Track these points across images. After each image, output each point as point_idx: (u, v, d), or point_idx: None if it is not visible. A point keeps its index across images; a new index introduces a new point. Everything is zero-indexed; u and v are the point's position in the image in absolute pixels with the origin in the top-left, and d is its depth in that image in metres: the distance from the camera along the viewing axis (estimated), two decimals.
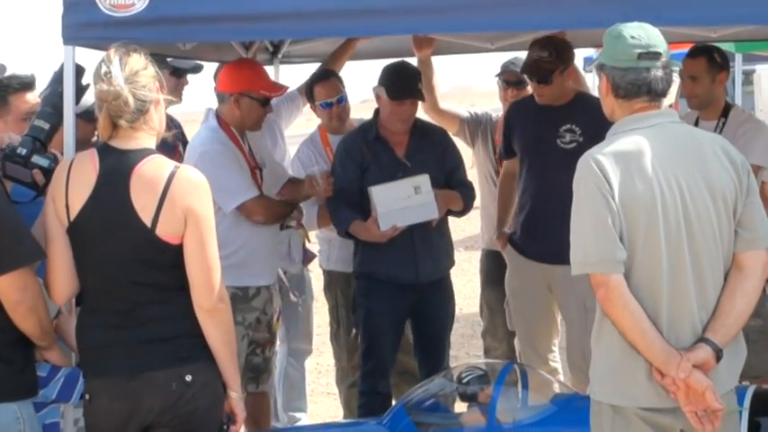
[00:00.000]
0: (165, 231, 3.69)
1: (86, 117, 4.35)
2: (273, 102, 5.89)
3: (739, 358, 3.67)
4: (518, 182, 5.92)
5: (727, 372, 3.57)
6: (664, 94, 3.62)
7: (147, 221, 3.68)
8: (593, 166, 3.50)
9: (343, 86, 6.13)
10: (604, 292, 3.47)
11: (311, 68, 6.34)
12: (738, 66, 7.31)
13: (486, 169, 6.48)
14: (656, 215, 3.46)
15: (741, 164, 3.60)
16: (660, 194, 3.47)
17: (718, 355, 3.48)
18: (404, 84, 5.53)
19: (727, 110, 5.50)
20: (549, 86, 5.66)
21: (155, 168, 3.73)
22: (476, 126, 6.49)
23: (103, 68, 3.73)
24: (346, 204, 5.55)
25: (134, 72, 3.75)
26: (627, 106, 3.62)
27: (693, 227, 3.50)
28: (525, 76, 5.97)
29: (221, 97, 5.36)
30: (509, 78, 6.37)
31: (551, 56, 5.60)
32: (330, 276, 6.26)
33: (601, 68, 3.64)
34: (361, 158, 5.58)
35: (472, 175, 6.15)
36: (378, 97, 5.58)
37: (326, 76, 6.14)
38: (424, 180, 5.48)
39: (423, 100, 5.70)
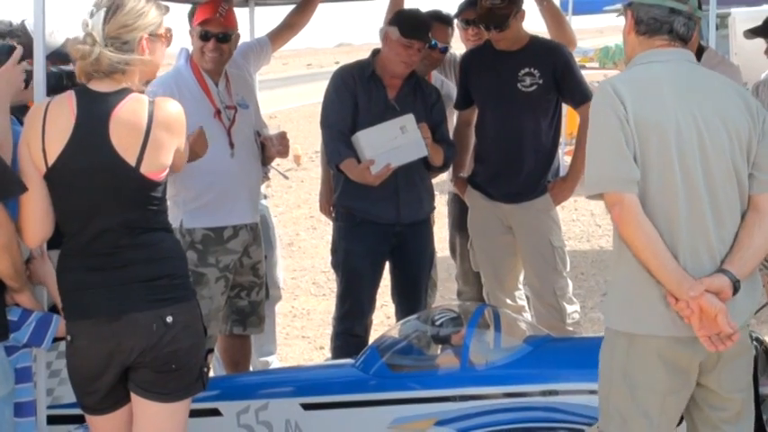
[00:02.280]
0: (149, 169, 3.68)
1: (53, 59, 4.30)
2: (243, 47, 5.86)
3: (754, 295, 3.68)
4: (478, 128, 5.98)
5: (741, 307, 3.57)
6: (684, 38, 3.65)
7: (132, 161, 3.66)
8: (609, 91, 3.53)
9: (450, 36, 6.24)
10: (619, 210, 3.49)
11: (287, 11, 6.29)
12: (713, 9, 7.23)
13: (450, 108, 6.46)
14: (670, 138, 3.49)
15: (756, 107, 3.63)
16: (675, 121, 3.50)
17: (735, 285, 3.50)
18: (418, 26, 5.57)
19: (700, 52, 5.50)
20: (505, 31, 5.73)
21: (133, 108, 3.69)
22: (440, 69, 6.47)
23: (87, 17, 3.67)
24: (340, 137, 5.54)
25: (119, 26, 3.66)
26: (647, 44, 3.65)
27: (709, 157, 3.52)
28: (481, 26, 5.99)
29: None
30: (468, 17, 6.36)
31: (504, 1, 5.65)
32: None
33: (628, 6, 3.68)
34: (355, 91, 5.59)
35: None
36: (385, 37, 5.58)
37: (445, 20, 6.21)
38: (409, 119, 5.49)
39: (429, 45, 5.72)
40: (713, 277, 3.50)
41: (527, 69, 5.74)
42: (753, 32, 5.79)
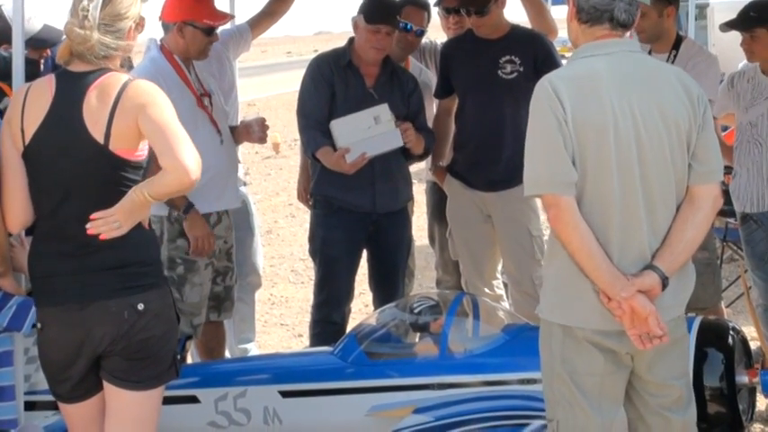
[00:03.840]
0: (118, 146, 3.65)
1: (32, 44, 4.30)
2: (223, 34, 5.85)
3: (686, 288, 3.73)
4: (458, 116, 5.97)
5: (673, 299, 3.63)
6: (626, 24, 3.64)
7: (100, 137, 3.63)
8: (548, 89, 3.54)
9: (427, 23, 6.16)
10: (555, 212, 3.53)
11: None
12: (692, 0, 7.29)
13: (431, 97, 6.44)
14: (608, 139, 3.50)
15: (698, 96, 3.63)
16: (613, 119, 3.51)
17: (664, 282, 3.55)
18: (381, 10, 5.56)
19: (678, 42, 5.52)
20: (486, 17, 5.74)
21: (108, 83, 3.68)
22: (418, 55, 6.46)
23: (85, 3, 3.66)
24: (316, 126, 5.54)
25: (114, 15, 3.68)
26: (589, 33, 3.65)
27: (645, 153, 3.54)
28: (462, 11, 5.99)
29: (166, 27, 5.33)
30: (449, 5, 6.32)
31: None
32: None
33: None
34: (332, 80, 5.58)
35: None
36: (355, 25, 5.59)
37: (421, 4, 6.17)
38: (383, 109, 5.49)
39: (397, 28, 5.70)
40: (644, 276, 3.54)
41: (508, 57, 5.74)
42: (728, 25, 5.80)
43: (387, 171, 5.61)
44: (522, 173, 5.70)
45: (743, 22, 5.69)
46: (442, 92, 6.08)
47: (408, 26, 5.98)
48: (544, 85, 3.56)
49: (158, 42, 5.35)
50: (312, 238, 5.85)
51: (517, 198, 5.80)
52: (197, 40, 5.26)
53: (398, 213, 5.78)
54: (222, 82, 5.83)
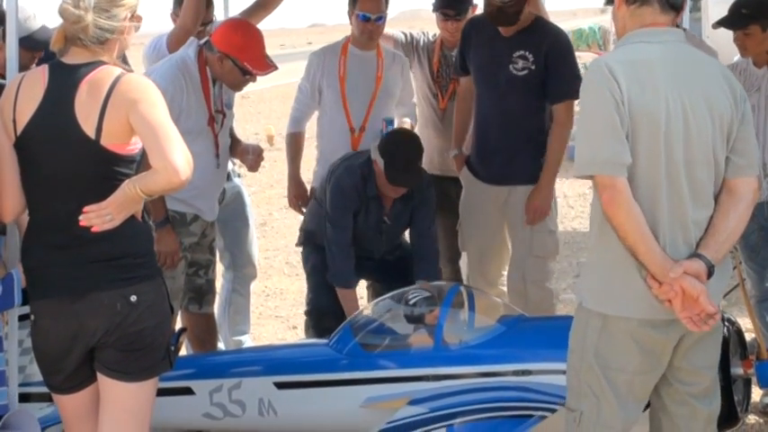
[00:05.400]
0: (110, 140, 3.62)
1: (26, 44, 4.29)
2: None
3: (724, 277, 3.72)
4: (475, 105, 5.84)
5: (713, 290, 3.59)
6: (675, 6, 3.62)
7: (91, 132, 3.61)
8: (604, 70, 3.50)
9: (387, 7, 6.01)
10: (610, 194, 3.46)
11: None
12: None
13: (424, 92, 6.33)
14: (660, 126, 3.48)
15: (740, 93, 3.63)
16: (666, 107, 3.49)
17: (710, 270, 3.52)
18: (404, 172, 5.41)
19: None
20: (515, 24, 5.59)
21: (101, 76, 3.65)
22: (411, 48, 6.38)
23: None
24: (348, 256, 5.52)
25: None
26: (637, 15, 3.61)
27: (692, 144, 3.52)
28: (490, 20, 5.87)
29: (211, 46, 5.26)
30: (447, 12, 6.18)
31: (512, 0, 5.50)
32: None
33: None
34: (357, 209, 5.52)
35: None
36: (375, 162, 5.45)
37: None
38: None
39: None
40: (691, 261, 3.51)
41: (521, 52, 5.58)
42: (719, 23, 5.78)
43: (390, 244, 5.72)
44: (528, 170, 5.64)
45: (737, 21, 5.67)
46: (461, 69, 5.95)
47: (366, 16, 5.87)
48: (600, 66, 3.52)
49: (199, 46, 5.32)
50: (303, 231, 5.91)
51: (522, 195, 5.69)
52: (233, 75, 5.26)
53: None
54: None
